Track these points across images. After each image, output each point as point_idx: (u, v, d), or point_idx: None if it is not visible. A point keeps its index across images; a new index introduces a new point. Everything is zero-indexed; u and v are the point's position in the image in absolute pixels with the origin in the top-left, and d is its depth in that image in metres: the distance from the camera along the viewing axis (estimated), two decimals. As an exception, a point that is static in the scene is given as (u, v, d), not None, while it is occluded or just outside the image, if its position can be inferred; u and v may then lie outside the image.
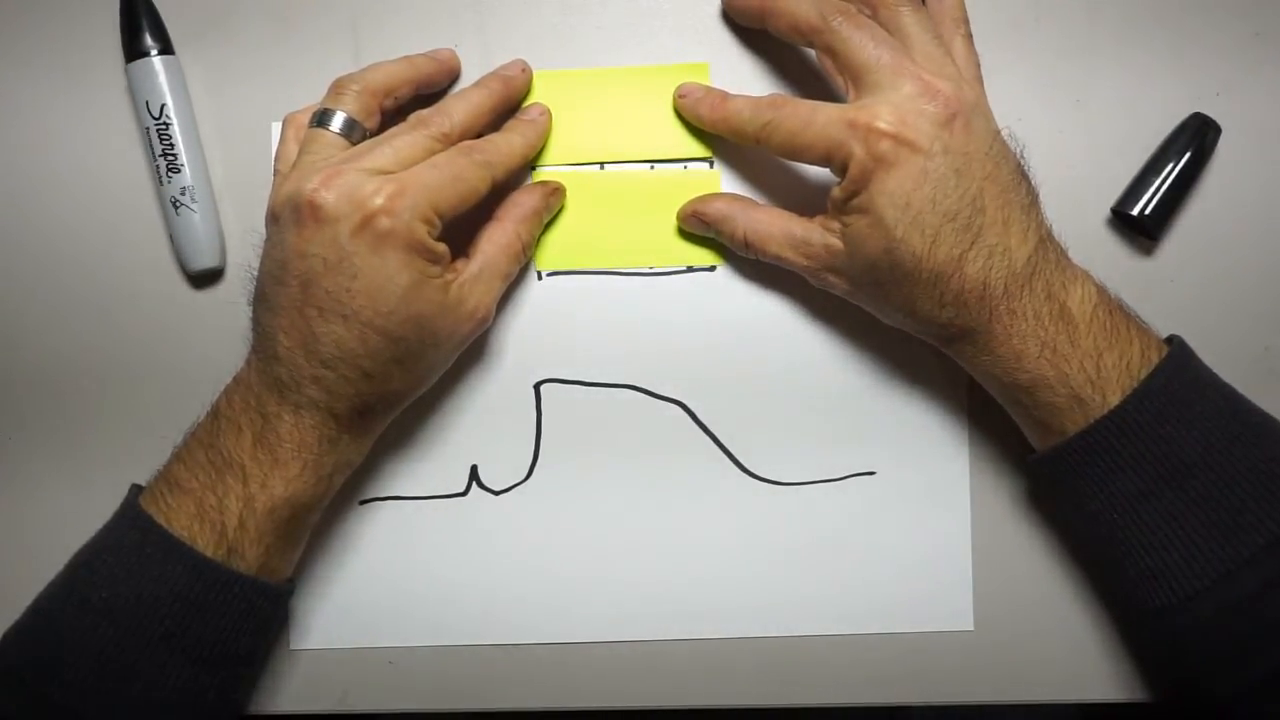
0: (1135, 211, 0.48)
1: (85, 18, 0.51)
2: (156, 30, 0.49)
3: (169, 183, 0.49)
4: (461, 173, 0.44)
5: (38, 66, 0.51)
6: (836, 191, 0.43)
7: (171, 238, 0.50)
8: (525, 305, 0.50)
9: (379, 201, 0.41)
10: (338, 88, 0.46)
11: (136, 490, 0.45)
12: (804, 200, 0.48)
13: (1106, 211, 0.50)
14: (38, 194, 0.51)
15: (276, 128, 0.50)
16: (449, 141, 0.44)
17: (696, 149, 0.50)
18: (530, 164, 0.49)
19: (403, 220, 0.41)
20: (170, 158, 0.49)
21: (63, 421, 0.51)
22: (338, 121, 0.45)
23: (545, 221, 0.49)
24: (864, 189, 0.42)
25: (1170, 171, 0.48)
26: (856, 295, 0.46)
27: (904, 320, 0.45)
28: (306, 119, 0.46)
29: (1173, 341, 0.44)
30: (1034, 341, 0.42)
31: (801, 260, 0.46)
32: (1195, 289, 0.50)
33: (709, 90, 0.48)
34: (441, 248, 0.43)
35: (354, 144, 0.45)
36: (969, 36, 0.47)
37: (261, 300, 0.44)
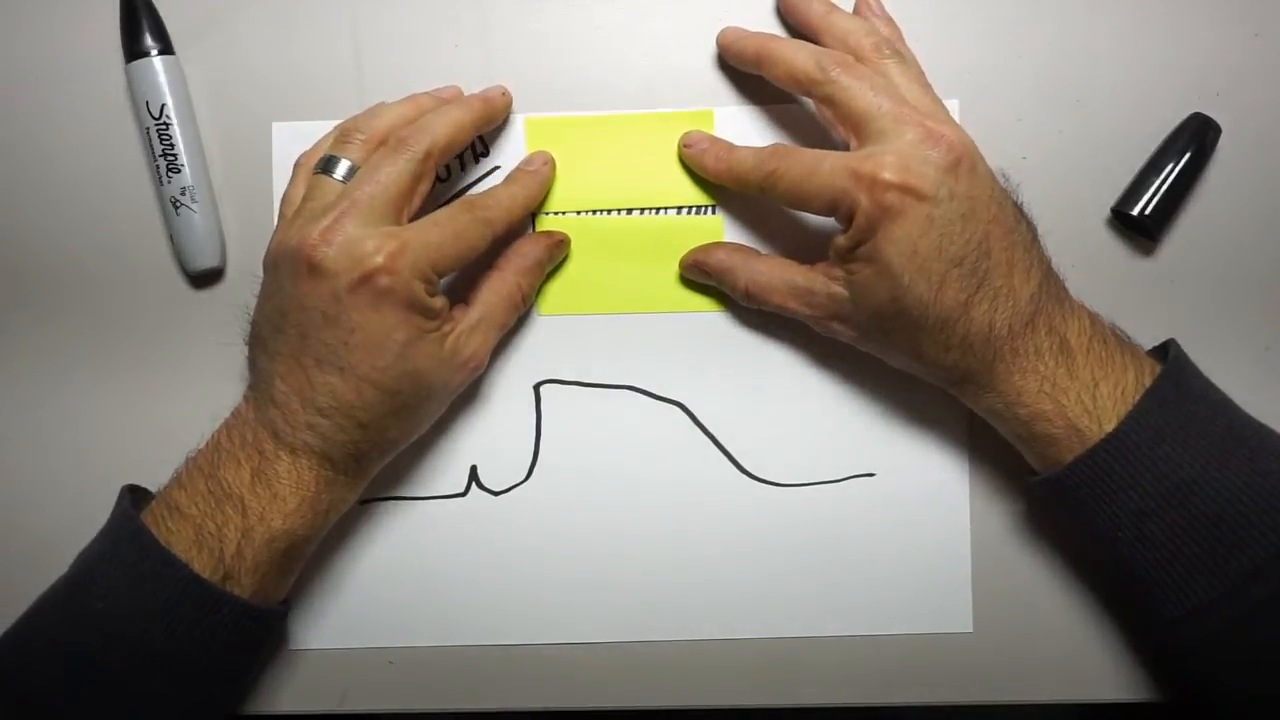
0: (1135, 211, 0.48)
1: (85, 18, 0.51)
2: (156, 30, 0.49)
3: (169, 183, 0.49)
4: (463, 230, 0.44)
5: (38, 66, 0.51)
6: (841, 240, 0.43)
7: (171, 238, 0.50)
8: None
9: (379, 260, 0.41)
10: (343, 135, 0.46)
11: (130, 494, 0.45)
12: (807, 249, 0.48)
13: (1106, 211, 0.50)
14: (38, 194, 0.51)
15: (277, 128, 0.50)
16: (431, 160, 0.44)
17: (699, 197, 0.50)
18: (532, 212, 0.50)
19: (402, 278, 0.41)
20: (170, 158, 0.49)
21: (63, 421, 0.51)
22: (341, 169, 0.45)
23: (547, 272, 0.49)
24: (870, 238, 0.42)
25: (1170, 171, 0.48)
26: (862, 342, 0.46)
27: (910, 364, 0.45)
28: (314, 162, 0.46)
29: (1168, 352, 0.44)
30: (1034, 377, 0.42)
31: (805, 310, 0.46)
32: (1195, 289, 0.50)
33: (714, 141, 0.49)
34: (439, 303, 0.43)
35: None
36: (929, 88, 0.46)
37: (259, 343, 0.44)
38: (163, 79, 0.49)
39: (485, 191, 0.47)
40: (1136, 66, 0.50)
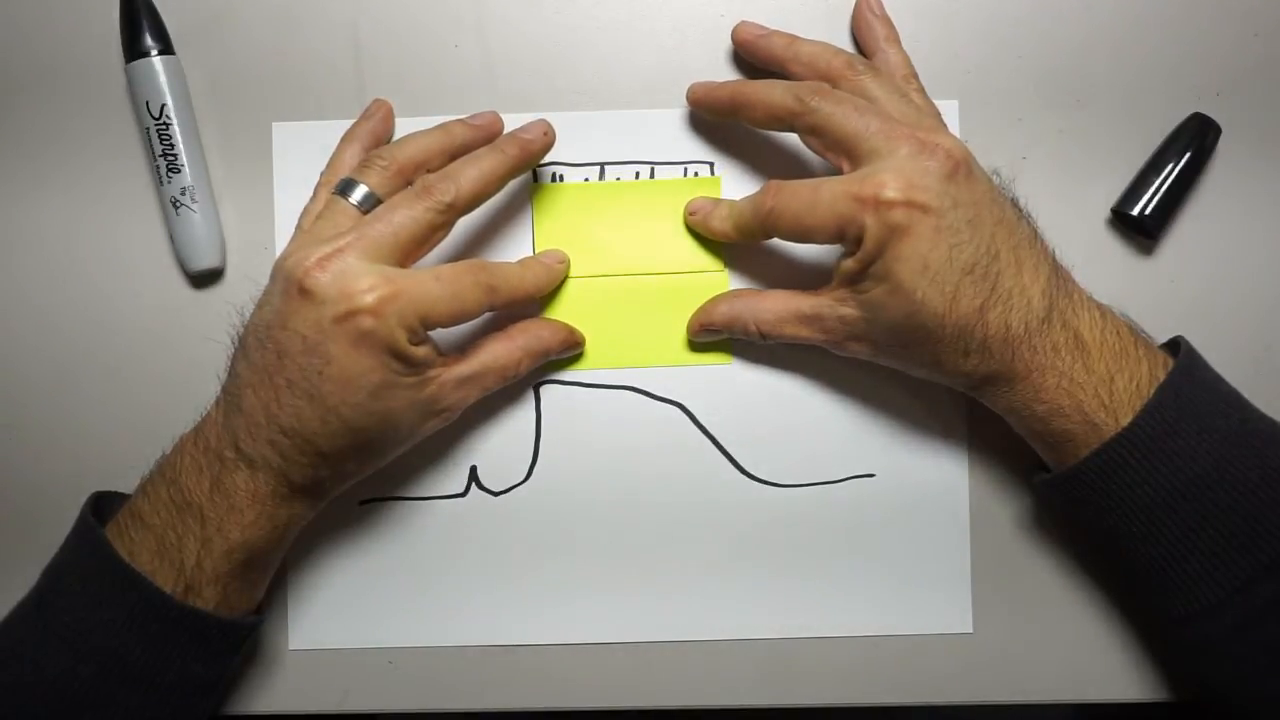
0: (1135, 211, 0.48)
1: (85, 18, 0.51)
2: (156, 30, 0.49)
3: (169, 183, 0.49)
4: (462, 292, 0.43)
5: (38, 67, 0.51)
6: (849, 264, 0.43)
7: (171, 238, 0.50)
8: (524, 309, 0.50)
9: (368, 301, 0.41)
10: (368, 160, 0.45)
11: (94, 502, 0.45)
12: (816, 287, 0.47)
13: (1106, 211, 0.50)
14: (37, 195, 0.51)
15: (277, 128, 0.50)
16: (453, 211, 0.44)
17: (708, 263, 0.50)
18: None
19: (386, 325, 0.41)
20: (170, 158, 0.49)
21: (63, 421, 0.51)
22: (358, 194, 0.44)
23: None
24: (879, 258, 0.42)
25: (1170, 171, 0.48)
26: (879, 357, 0.46)
27: (930, 374, 0.45)
28: (334, 180, 0.46)
29: (1179, 348, 0.44)
30: (1052, 373, 0.42)
31: (820, 336, 0.46)
32: (1195, 289, 0.50)
33: (718, 202, 0.49)
34: (423, 353, 0.43)
35: None
36: (922, 90, 0.47)
37: (242, 349, 0.44)
38: (163, 79, 0.49)
39: (497, 263, 0.46)
40: (1136, 66, 0.50)
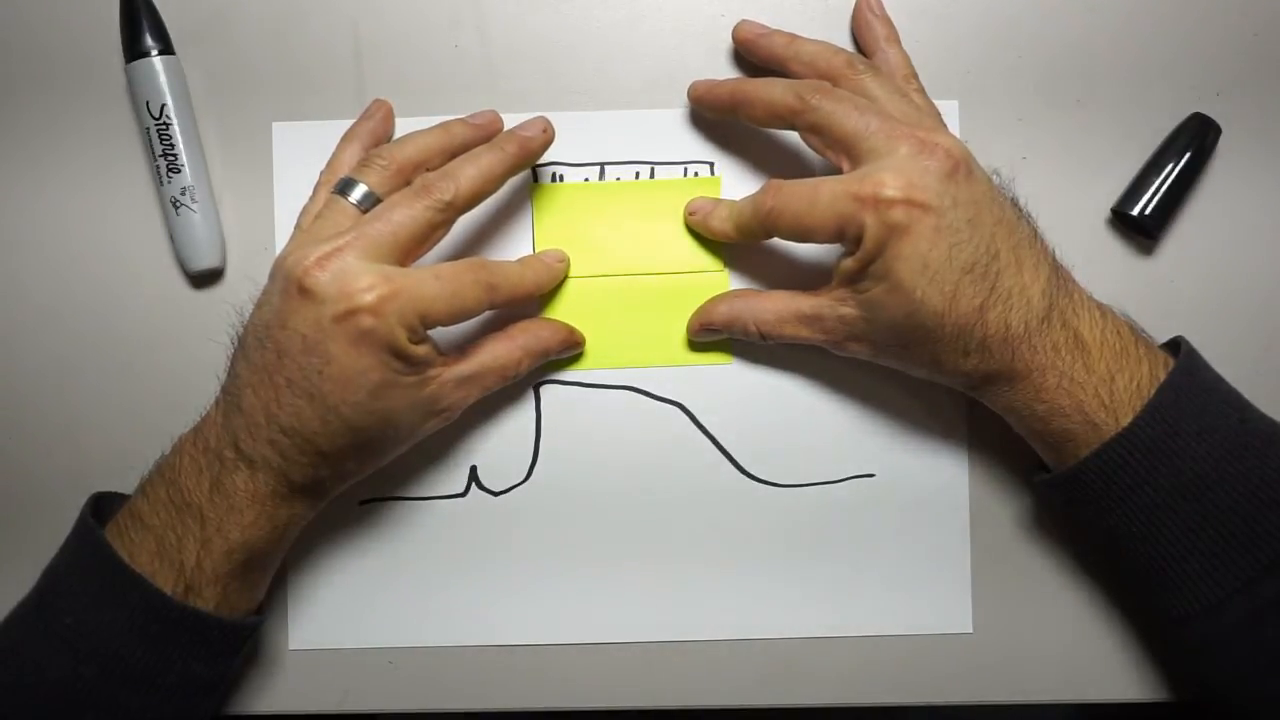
0: (1135, 211, 0.48)
1: (85, 18, 0.51)
2: (156, 30, 0.49)
3: (169, 183, 0.49)
4: (461, 290, 0.43)
5: (39, 66, 0.51)
6: (849, 263, 0.43)
7: (171, 238, 0.50)
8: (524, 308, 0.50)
9: (367, 299, 0.41)
10: (367, 159, 0.45)
11: (94, 503, 0.45)
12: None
13: (1106, 211, 0.50)
14: (38, 194, 0.51)
15: (277, 128, 0.50)
16: (453, 210, 0.44)
17: (708, 263, 0.50)
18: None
19: (386, 323, 0.41)
20: (170, 158, 0.49)
21: (63, 421, 0.51)
22: (357, 194, 0.44)
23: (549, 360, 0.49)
24: (879, 257, 0.42)
25: (1170, 171, 0.48)
26: (879, 357, 0.46)
27: (930, 374, 0.45)
28: (334, 180, 0.46)
29: (1180, 348, 0.44)
30: (1052, 373, 0.42)
31: (820, 335, 0.46)
32: (1195, 289, 0.50)
33: (718, 202, 0.49)
34: (423, 351, 0.43)
35: None
36: (922, 90, 0.47)
37: (241, 349, 0.44)
38: (163, 79, 0.49)
39: (497, 261, 0.46)
40: (1136, 66, 0.50)
